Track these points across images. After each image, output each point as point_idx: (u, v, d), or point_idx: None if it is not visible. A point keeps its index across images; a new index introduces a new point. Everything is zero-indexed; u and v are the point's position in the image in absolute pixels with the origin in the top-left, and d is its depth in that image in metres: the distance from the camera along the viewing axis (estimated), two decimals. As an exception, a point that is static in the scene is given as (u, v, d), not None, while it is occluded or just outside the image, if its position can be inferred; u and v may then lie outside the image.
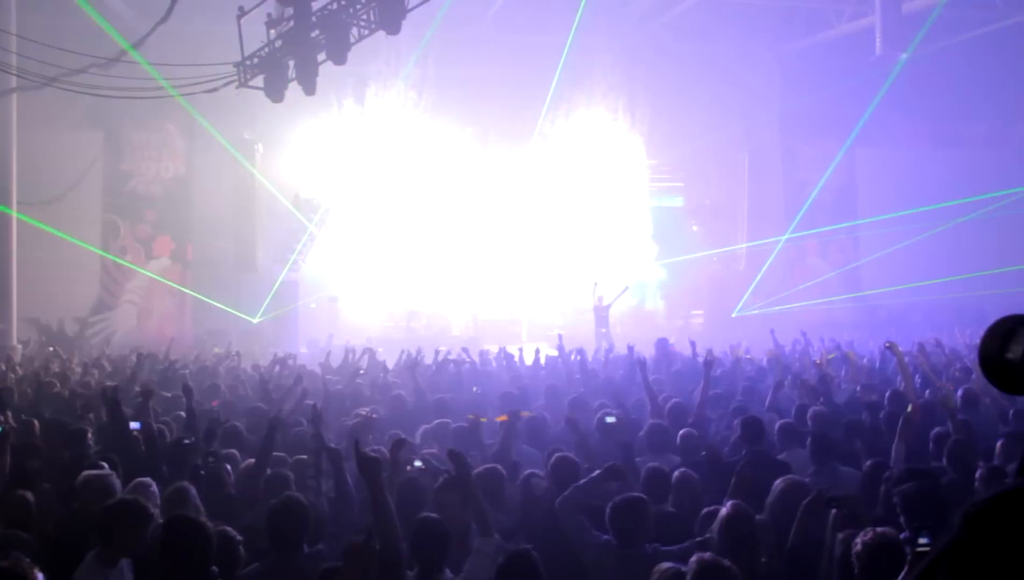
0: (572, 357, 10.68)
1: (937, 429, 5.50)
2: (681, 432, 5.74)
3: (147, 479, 4.17)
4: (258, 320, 19.54)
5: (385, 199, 22.60)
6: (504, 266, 24.89)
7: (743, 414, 6.24)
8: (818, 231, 22.49)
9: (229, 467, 4.84)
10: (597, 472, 4.36)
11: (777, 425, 5.93)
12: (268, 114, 16.64)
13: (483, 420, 5.66)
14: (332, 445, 4.76)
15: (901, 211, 20.85)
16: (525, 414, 5.68)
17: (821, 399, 7.15)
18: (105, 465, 4.35)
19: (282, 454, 5.10)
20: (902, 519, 3.54)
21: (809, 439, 5.35)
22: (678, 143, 22.24)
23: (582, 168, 23.32)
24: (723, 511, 3.53)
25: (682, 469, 4.86)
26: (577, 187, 23.47)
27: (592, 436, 6.00)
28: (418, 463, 4.50)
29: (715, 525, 3.49)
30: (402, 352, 11.19)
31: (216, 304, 19.44)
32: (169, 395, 7.77)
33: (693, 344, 11.06)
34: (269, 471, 4.69)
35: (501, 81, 20.32)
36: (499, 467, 4.88)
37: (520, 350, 12.26)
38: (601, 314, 18.84)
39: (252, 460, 4.91)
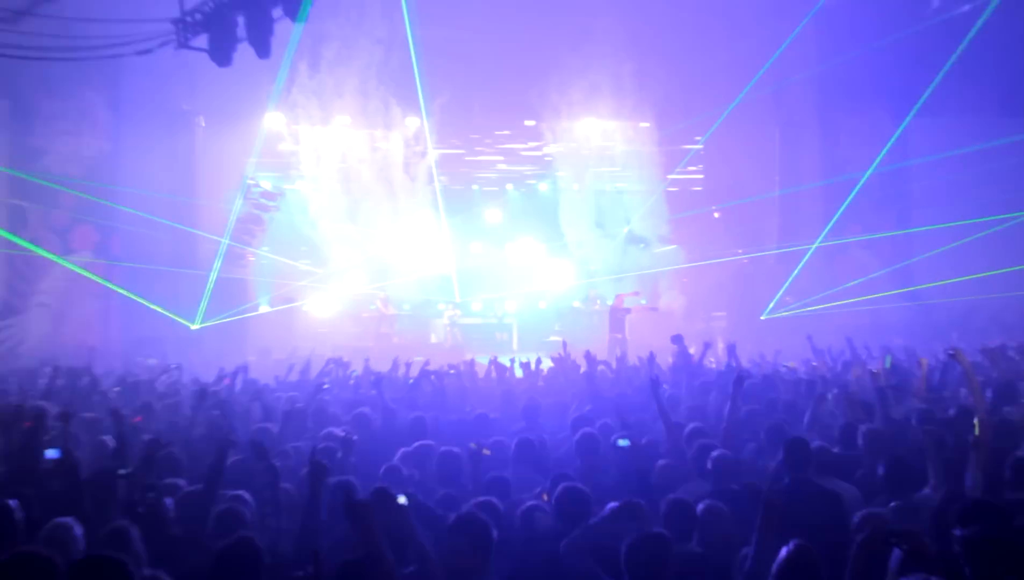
0: (598, 367, 10.71)
1: (1019, 453, 5.39)
2: (714, 454, 5.73)
3: (68, 520, 4.10)
4: (199, 326, 19.44)
5: (351, 182, 22.57)
6: (488, 260, 25.10)
7: (780, 433, 6.20)
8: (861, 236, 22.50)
9: (170, 501, 4.81)
10: (610, 507, 4.31)
11: (814, 447, 5.88)
12: (212, 82, 16.49)
13: (486, 452, 5.78)
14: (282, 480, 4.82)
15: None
16: (486, 452, 5.80)
17: (873, 416, 7.15)
18: (12, 503, 4.23)
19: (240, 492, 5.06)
20: (967, 570, 3.42)
21: (884, 464, 5.28)
22: (694, 114, 22.30)
23: (581, 146, 23.40)
24: (783, 553, 3.47)
25: (708, 501, 4.85)
26: (573, 166, 23.57)
27: (604, 461, 6.12)
28: (402, 499, 4.46)
29: (775, 570, 3.41)
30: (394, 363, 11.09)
31: (149, 306, 19.32)
32: (90, 417, 7.67)
33: (731, 348, 10.98)
34: (221, 505, 4.63)
35: (486, 41, 20.26)
36: (492, 501, 4.85)
37: (512, 361, 12.26)
38: (618, 317, 18.95)
39: (197, 488, 4.92)
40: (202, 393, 7.93)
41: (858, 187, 21.83)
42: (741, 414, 7.14)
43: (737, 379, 6.99)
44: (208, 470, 4.92)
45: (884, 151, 21.70)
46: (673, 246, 23.71)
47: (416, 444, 6.48)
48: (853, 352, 12.26)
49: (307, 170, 22.46)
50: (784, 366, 11.74)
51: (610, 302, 20.09)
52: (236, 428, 7.25)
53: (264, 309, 21.73)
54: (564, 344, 12.36)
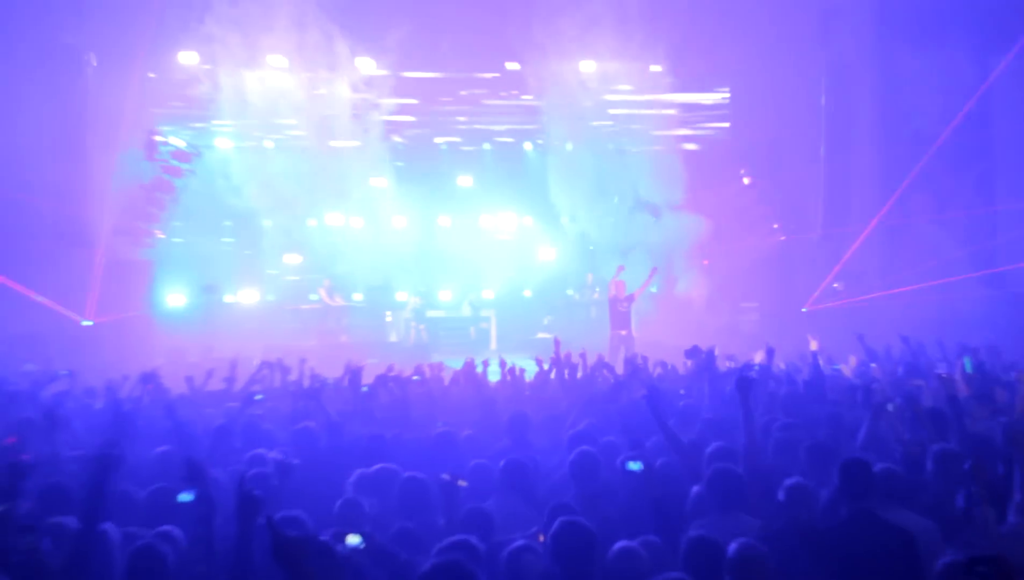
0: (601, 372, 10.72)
1: None
2: (788, 483, 5.82)
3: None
4: (92, 322, 19.29)
5: (286, 139, 22.48)
6: (460, 237, 25.13)
7: (826, 454, 6.22)
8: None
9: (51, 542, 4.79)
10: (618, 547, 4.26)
11: (878, 470, 5.96)
12: (105, 8, 16.29)
13: (462, 483, 5.85)
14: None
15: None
16: (462, 483, 5.90)
17: (947, 433, 7.28)
18: None
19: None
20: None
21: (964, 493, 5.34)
22: (718, 54, 22.34)
23: (576, 95, 23.35)
24: None
25: (742, 540, 4.90)
26: (566, 120, 23.57)
27: (607, 488, 6.29)
28: (354, 539, 4.43)
29: None
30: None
31: (28, 295, 19.11)
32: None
33: (771, 352, 11.19)
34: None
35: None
36: (470, 540, 4.88)
37: (487, 363, 12.42)
38: (620, 310, 18.99)
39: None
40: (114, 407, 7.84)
41: (930, 149, 21.89)
42: (759, 426, 7.20)
43: (740, 382, 7.03)
44: (84, 499, 4.83)
45: (965, 104, 21.68)
46: (693, 217, 23.70)
47: (377, 467, 6.43)
48: (913, 353, 12.30)
49: (229, 124, 22.32)
50: (833, 368, 11.79)
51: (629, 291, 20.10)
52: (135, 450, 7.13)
53: (179, 300, 21.62)
54: (557, 342, 12.37)
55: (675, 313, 24.46)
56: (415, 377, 11.66)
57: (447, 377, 12.54)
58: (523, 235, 26.41)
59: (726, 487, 5.89)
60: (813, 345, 12.54)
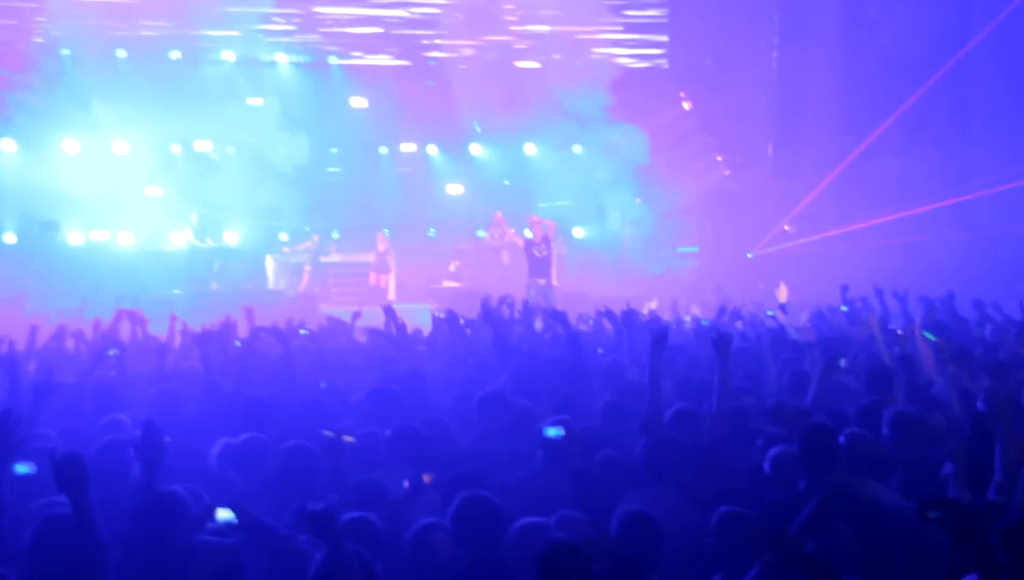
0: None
1: None
2: (773, 452, 5.91)
3: None
4: None
5: (144, 44, 21.71)
6: (353, 168, 24.90)
7: (780, 416, 6.43)
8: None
9: None
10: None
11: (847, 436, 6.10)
12: None
13: (349, 439, 5.86)
14: None
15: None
16: (348, 439, 5.95)
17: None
18: None
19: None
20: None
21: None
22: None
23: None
24: None
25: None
26: (468, 26, 23.42)
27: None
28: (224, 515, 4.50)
29: None
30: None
31: None
32: None
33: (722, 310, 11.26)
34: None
35: None
36: (369, 518, 4.99)
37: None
38: (538, 255, 19.02)
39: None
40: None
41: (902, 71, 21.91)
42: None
43: (719, 340, 7.15)
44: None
45: (942, 17, 21.76)
46: (624, 144, 23.77)
47: (244, 437, 6.41)
48: (883, 305, 12.85)
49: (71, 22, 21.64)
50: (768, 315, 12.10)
51: (528, 234, 20.09)
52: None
53: (9, 238, 21.08)
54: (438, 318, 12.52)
55: (603, 260, 24.57)
56: (303, 331, 11.58)
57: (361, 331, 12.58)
58: (428, 165, 26.19)
59: (665, 455, 6.00)
60: (782, 294, 12.66)
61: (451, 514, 4.96)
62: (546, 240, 19.14)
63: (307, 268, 23.10)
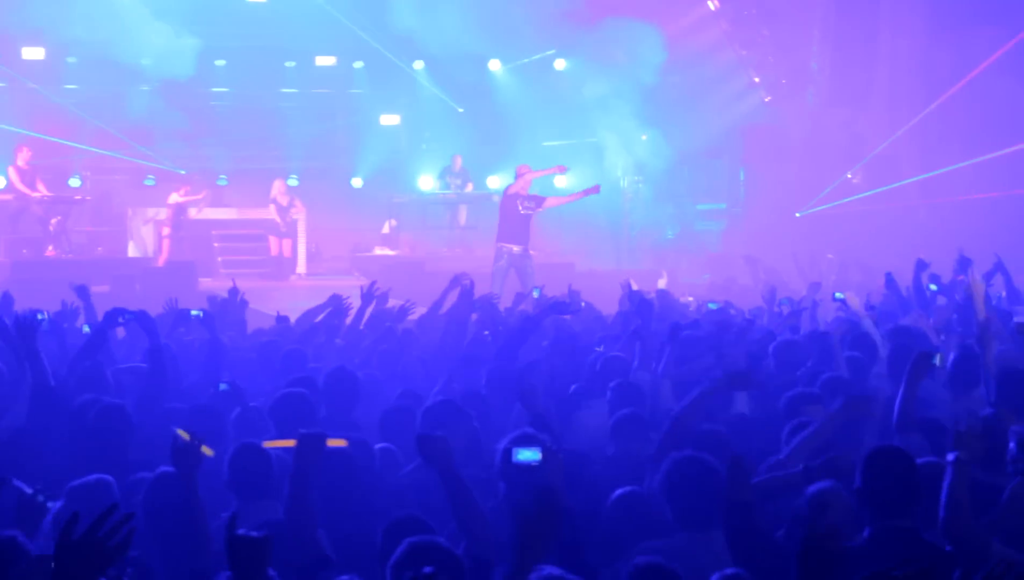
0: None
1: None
2: (812, 490, 6.13)
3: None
4: None
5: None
6: (247, 96, 24.79)
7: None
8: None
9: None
10: None
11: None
12: None
13: (208, 453, 6.23)
14: None
15: None
16: (207, 452, 6.35)
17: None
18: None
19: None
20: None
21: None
22: None
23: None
24: None
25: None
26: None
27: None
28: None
29: None
30: None
31: None
32: None
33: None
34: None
35: None
36: None
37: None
38: (520, 213, 18.68)
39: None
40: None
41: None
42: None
43: (639, 305, 7.54)
44: None
45: None
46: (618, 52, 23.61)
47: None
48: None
49: None
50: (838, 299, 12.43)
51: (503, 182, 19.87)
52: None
53: None
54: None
55: (595, 220, 24.50)
56: (196, 312, 11.83)
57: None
58: (351, 89, 26.05)
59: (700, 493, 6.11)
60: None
61: (392, 566, 5.17)
62: (537, 198, 18.73)
63: (166, 230, 22.83)
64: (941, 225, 21.52)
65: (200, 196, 23.14)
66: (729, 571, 5.29)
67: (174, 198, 23.10)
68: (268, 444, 7.03)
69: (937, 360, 8.32)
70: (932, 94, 22.92)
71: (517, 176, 18.93)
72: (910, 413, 7.74)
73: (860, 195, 22.79)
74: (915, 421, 7.71)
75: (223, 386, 9.29)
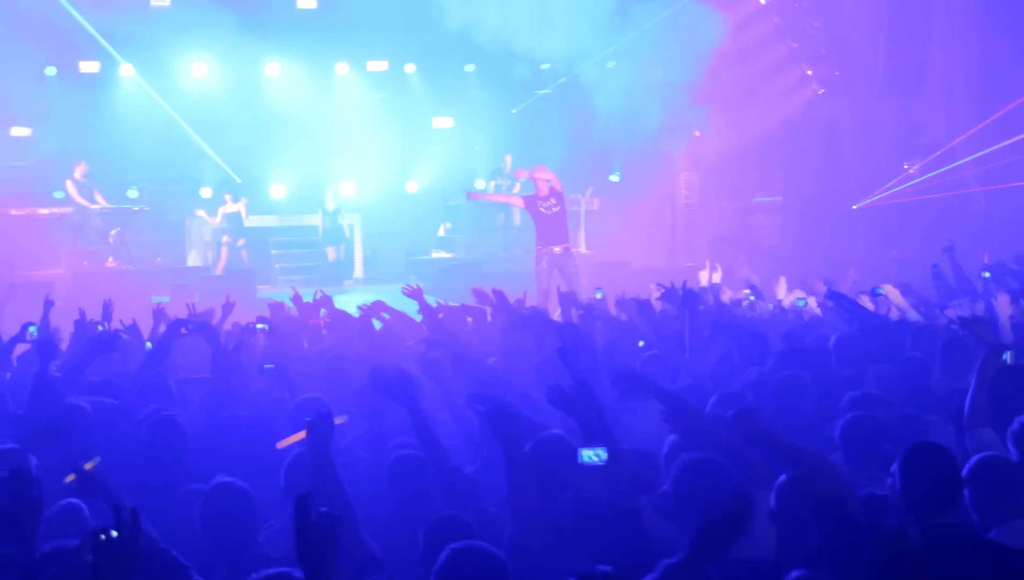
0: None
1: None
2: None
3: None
4: None
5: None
6: (298, 99, 24.97)
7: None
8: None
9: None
10: None
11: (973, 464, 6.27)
12: None
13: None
14: None
15: None
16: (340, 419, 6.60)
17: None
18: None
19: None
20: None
21: None
22: None
23: None
24: None
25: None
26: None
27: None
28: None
29: None
30: None
31: None
32: None
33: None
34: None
35: None
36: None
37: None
38: (546, 213, 18.62)
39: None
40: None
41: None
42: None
43: (686, 297, 7.96)
44: None
45: None
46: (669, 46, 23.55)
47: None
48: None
49: None
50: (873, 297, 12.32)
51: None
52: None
53: None
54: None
55: (648, 217, 24.46)
56: (260, 325, 12.10)
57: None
58: (404, 93, 26.08)
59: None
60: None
61: (437, 573, 5.16)
62: (555, 192, 18.51)
63: (225, 239, 22.94)
64: (1000, 214, 21.40)
65: (240, 204, 23.20)
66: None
67: (226, 207, 23.27)
68: (281, 444, 7.07)
69: (1008, 358, 8.12)
70: (988, 81, 22.82)
71: (534, 178, 18.79)
72: (981, 408, 7.57)
73: (912, 183, 22.62)
74: (986, 417, 7.52)
75: (268, 366, 9.51)
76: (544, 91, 25.80)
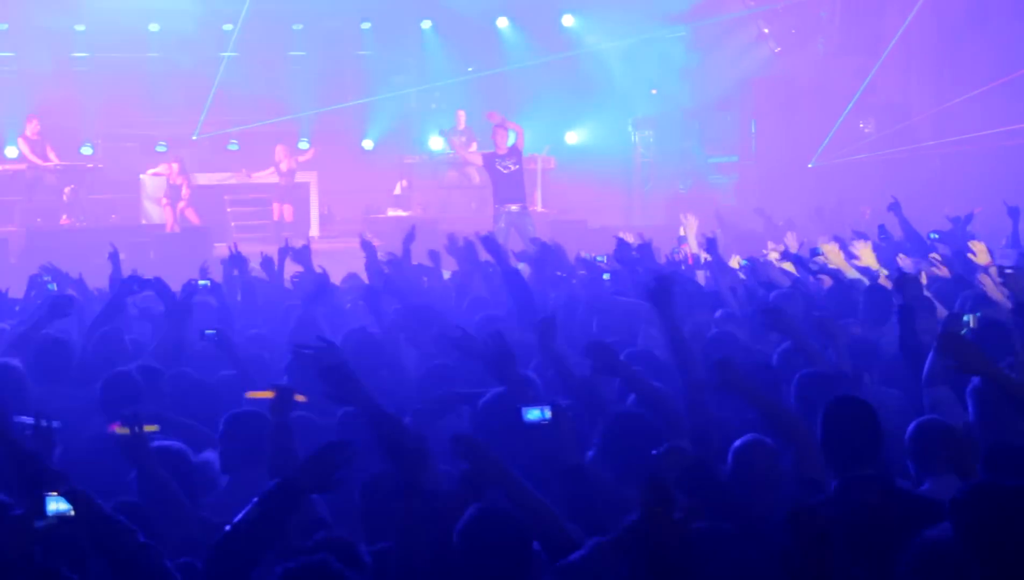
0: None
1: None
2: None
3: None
4: None
5: None
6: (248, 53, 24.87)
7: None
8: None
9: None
10: None
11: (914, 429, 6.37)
12: None
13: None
14: None
15: None
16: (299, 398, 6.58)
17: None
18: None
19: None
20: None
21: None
22: None
23: None
24: None
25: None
26: None
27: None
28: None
29: None
30: None
31: None
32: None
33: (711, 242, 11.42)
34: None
35: None
36: None
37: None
38: (504, 172, 18.60)
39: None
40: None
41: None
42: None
43: (658, 281, 7.61)
44: None
45: None
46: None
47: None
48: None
49: None
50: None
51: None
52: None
53: None
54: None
55: (607, 175, 24.49)
56: (203, 282, 11.82)
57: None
58: (358, 50, 26.02)
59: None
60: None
61: (460, 530, 5.21)
62: (514, 150, 18.53)
63: (185, 193, 22.81)
64: (955, 172, 21.52)
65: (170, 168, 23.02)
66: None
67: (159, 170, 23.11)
68: (250, 394, 7.22)
69: (971, 321, 8.09)
70: (945, 38, 22.87)
71: (493, 132, 18.75)
72: (939, 367, 7.37)
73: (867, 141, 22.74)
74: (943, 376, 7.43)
75: (209, 331, 9.26)
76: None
